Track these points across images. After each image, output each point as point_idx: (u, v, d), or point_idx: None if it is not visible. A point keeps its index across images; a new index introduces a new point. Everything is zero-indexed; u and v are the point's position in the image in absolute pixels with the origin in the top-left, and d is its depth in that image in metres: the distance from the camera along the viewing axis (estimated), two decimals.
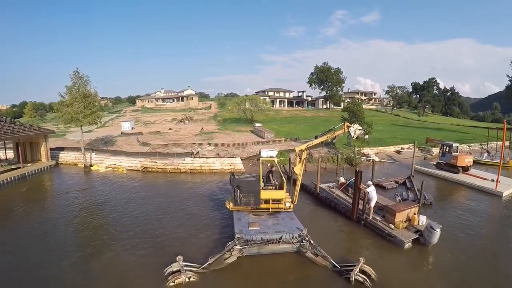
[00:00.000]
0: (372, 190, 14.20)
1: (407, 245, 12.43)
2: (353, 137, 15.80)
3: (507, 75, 56.19)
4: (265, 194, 13.60)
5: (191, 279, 9.97)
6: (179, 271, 9.98)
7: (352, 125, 15.51)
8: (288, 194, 14.41)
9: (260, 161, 13.92)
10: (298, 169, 14.02)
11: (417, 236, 12.77)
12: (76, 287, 9.90)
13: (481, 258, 12.07)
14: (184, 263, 10.18)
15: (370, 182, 14.76)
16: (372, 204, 14.33)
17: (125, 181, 23.47)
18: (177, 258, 10.25)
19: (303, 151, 13.97)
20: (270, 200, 13.81)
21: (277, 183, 14.67)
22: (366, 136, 36.45)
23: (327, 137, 16.04)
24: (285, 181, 13.95)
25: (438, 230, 11.99)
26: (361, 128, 15.92)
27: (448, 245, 12.74)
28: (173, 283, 9.72)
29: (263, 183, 13.99)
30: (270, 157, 13.75)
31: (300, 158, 14.03)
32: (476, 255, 12.26)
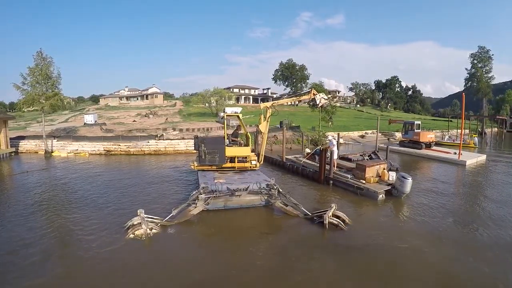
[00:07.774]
0: (333, 144, 14.78)
1: (380, 196, 12.48)
2: (318, 105, 15.94)
3: (466, 68, 60.72)
4: (230, 151, 13.30)
5: (152, 230, 9.21)
6: (140, 223, 9.20)
7: (319, 94, 15.62)
8: (254, 153, 14.23)
9: (225, 117, 13.60)
10: (264, 127, 13.90)
11: (389, 188, 12.90)
12: (19, 240, 8.93)
13: (452, 208, 12.10)
14: (145, 215, 9.42)
15: (330, 137, 15.14)
16: (335, 156, 15.14)
17: (87, 161, 22.59)
18: (138, 211, 9.43)
19: (268, 108, 13.88)
20: (236, 158, 13.58)
21: (242, 141, 14.49)
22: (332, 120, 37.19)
23: (293, 99, 16.16)
24: (250, 138, 13.78)
25: (410, 179, 12.11)
26: (326, 98, 16.13)
27: (419, 198, 12.98)
28: (133, 235, 8.91)
29: (228, 141, 13.75)
30: (235, 113, 13.53)
31: (265, 116, 13.92)
32: (446, 205, 12.32)
